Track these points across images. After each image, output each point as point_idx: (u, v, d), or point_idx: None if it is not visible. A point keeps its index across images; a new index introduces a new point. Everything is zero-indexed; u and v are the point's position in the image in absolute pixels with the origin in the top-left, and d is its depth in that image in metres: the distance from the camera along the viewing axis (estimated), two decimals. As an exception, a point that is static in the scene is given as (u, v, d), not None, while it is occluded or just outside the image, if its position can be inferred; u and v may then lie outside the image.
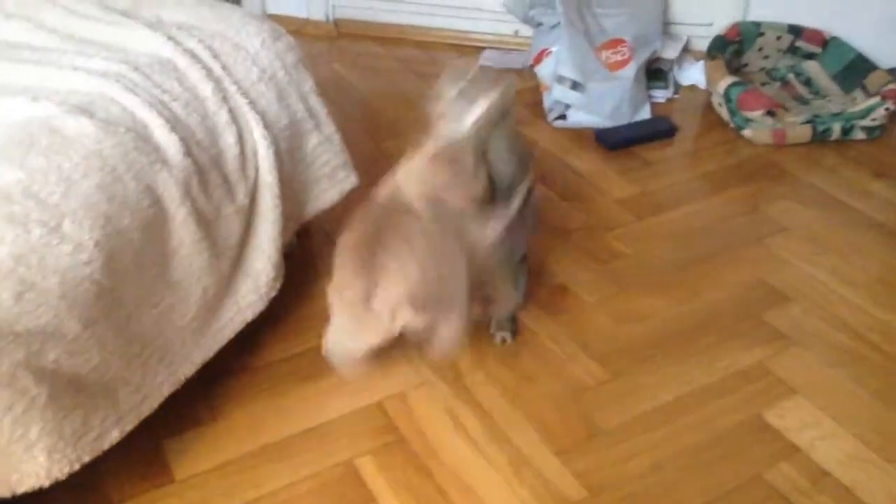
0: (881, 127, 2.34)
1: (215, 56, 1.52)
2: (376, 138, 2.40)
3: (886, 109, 2.29)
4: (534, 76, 2.56)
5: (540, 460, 1.40)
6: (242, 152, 1.47)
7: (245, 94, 1.52)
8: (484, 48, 2.90)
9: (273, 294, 1.54)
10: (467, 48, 2.93)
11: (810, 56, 2.60)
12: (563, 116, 2.44)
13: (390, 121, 2.49)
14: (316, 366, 1.57)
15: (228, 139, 1.45)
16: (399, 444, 1.42)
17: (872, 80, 2.44)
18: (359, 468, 1.38)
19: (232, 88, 1.50)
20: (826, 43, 2.57)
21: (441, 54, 2.93)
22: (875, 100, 2.31)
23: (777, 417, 1.48)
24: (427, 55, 2.93)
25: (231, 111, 1.47)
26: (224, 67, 1.52)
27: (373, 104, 2.60)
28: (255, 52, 1.59)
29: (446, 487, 1.35)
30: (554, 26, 2.49)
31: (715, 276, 1.83)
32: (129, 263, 1.22)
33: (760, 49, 2.61)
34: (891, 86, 2.35)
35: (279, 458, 1.39)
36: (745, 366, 1.58)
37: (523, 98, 2.62)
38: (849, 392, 1.53)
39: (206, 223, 1.37)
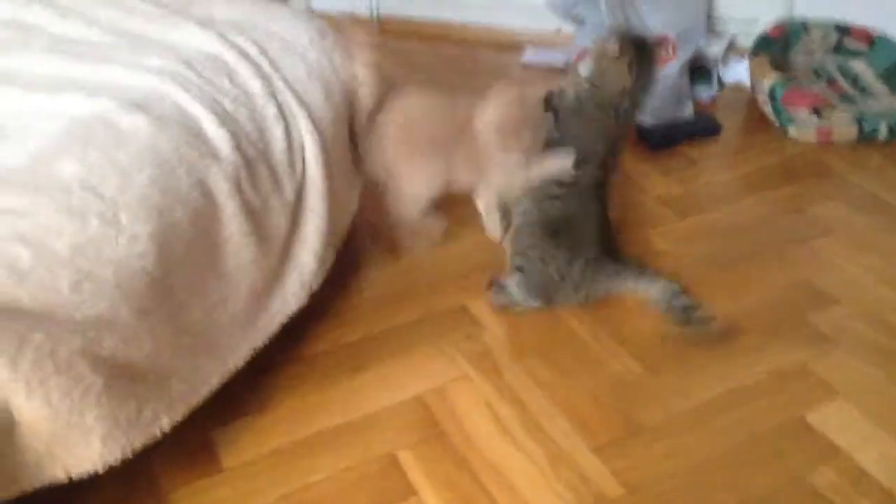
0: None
1: (264, 53, 1.56)
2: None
3: (935, 109, 2.26)
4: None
5: (578, 456, 1.41)
6: (290, 147, 1.50)
7: (293, 90, 1.55)
8: (526, 45, 2.90)
9: (316, 286, 1.57)
10: (509, 45, 2.94)
11: (857, 54, 2.56)
12: (605, 114, 2.43)
13: (432, 117, 2.51)
14: (358, 358, 1.60)
15: (276, 134, 1.48)
16: (438, 437, 1.44)
17: (921, 80, 2.40)
18: (400, 461, 1.40)
19: (280, 84, 1.53)
20: (873, 41, 2.53)
21: (484, 51, 2.94)
22: (923, 99, 2.28)
23: (818, 419, 1.47)
24: (469, 52, 2.94)
25: (279, 107, 1.50)
26: (272, 64, 1.56)
27: (415, 100, 2.62)
28: (303, 50, 1.62)
29: (484, 480, 1.37)
30: (597, 24, 2.48)
31: (758, 277, 1.82)
32: (180, 255, 1.26)
33: (806, 47, 2.58)
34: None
35: (323, 449, 1.42)
36: (787, 367, 1.57)
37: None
38: (891, 395, 1.52)
39: (254, 216, 1.40)
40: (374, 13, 3.10)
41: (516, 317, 1.71)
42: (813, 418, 1.47)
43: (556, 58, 2.79)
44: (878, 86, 2.51)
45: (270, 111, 1.48)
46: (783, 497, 1.33)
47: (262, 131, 1.46)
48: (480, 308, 1.74)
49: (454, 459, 1.40)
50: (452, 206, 2.07)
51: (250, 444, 1.42)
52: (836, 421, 1.47)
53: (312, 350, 1.62)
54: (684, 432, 1.45)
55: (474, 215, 2.03)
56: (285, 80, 1.55)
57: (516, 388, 1.54)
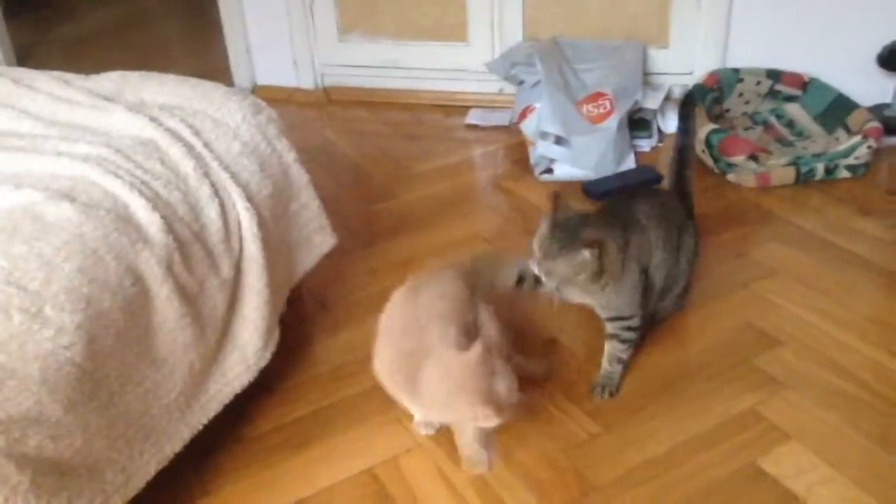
0: (865, 165, 2.36)
1: (196, 133, 1.56)
2: (367, 201, 2.43)
3: (869, 147, 2.32)
4: (520, 132, 2.60)
5: (534, 520, 1.38)
6: (226, 225, 1.49)
7: (227, 168, 1.55)
8: (470, 107, 2.95)
9: (262, 364, 1.55)
10: (454, 108, 2.99)
11: (791, 98, 2.64)
12: (549, 170, 2.47)
13: (380, 183, 2.53)
14: (306, 434, 1.57)
15: (211, 214, 1.47)
16: (392, 510, 1.42)
17: (854, 119, 2.47)
18: (353, 539, 1.37)
19: (214, 164, 1.53)
20: (806, 85, 2.61)
21: (428, 116, 2.99)
22: (857, 138, 2.34)
23: (772, 464, 1.46)
24: (414, 117, 2.98)
25: (213, 186, 1.50)
26: (205, 144, 1.56)
27: (363, 168, 2.65)
28: (236, 127, 1.62)
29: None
30: (535, 84, 2.53)
31: (704, 323, 1.83)
32: (111, 344, 1.23)
33: (741, 95, 2.65)
34: (872, 124, 2.37)
35: (271, 533, 1.38)
36: (738, 413, 1.57)
37: (511, 154, 2.67)
38: (843, 435, 1.52)
39: (190, 298, 1.38)
40: (319, 85, 3.14)
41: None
42: (767, 464, 1.46)
43: (500, 118, 2.84)
44: (814, 128, 2.58)
45: (204, 191, 1.48)
46: (741, 548, 1.32)
47: (196, 212, 1.46)
48: (432, 373, 1.72)
49: None
50: (400, 271, 2.08)
51: (193, 534, 1.38)
52: (790, 465, 1.46)
53: (259, 429, 1.59)
54: (639, 487, 1.43)
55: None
56: (219, 159, 1.55)
57: (469, 455, 1.52)
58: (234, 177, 1.54)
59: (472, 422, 1.32)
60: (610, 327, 1.63)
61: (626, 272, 1.55)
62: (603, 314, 1.62)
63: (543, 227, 1.50)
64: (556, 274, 1.48)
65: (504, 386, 1.26)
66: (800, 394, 1.61)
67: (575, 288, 1.54)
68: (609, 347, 1.65)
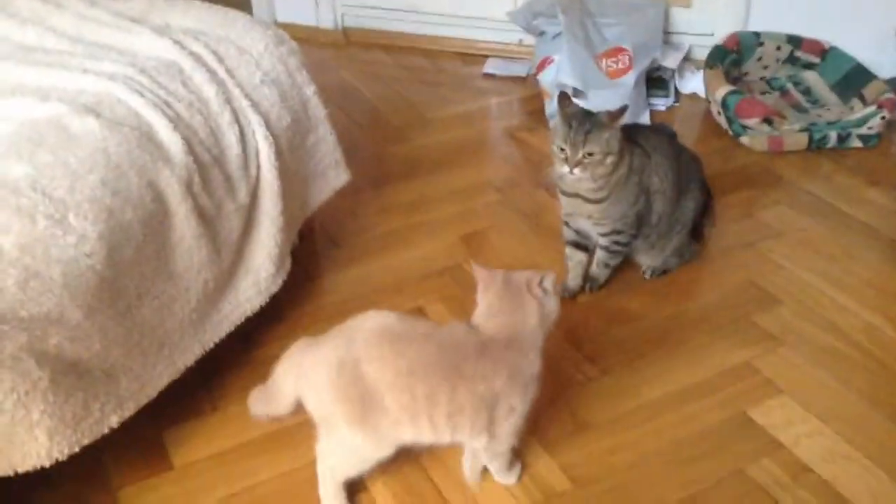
0: (877, 135, 2.36)
1: (220, 60, 1.58)
2: (381, 143, 2.45)
3: (883, 118, 2.32)
4: (537, 84, 2.60)
5: (529, 454, 1.43)
6: (244, 152, 1.52)
7: (248, 96, 1.57)
8: (488, 56, 2.95)
9: (274, 290, 1.59)
10: (472, 57, 2.98)
11: (809, 66, 2.63)
12: (564, 123, 2.48)
13: (395, 126, 2.55)
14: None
15: (231, 139, 1.50)
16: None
17: (870, 90, 2.47)
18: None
19: (235, 91, 1.56)
20: (825, 53, 2.60)
21: (447, 62, 2.99)
22: (871, 108, 2.34)
23: (762, 415, 1.51)
24: (433, 63, 2.98)
25: (234, 112, 1.53)
26: (228, 70, 1.58)
27: (379, 110, 2.66)
28: (258, 56, 1.64)
29: (435, 479, 1.39)
30: (556, 35, 2.53)
31: (708, 279, 1.86)
32: (130, 256, 1.27)
33: (760, 59, 2.64)
34: (888, 95, 2.38)
35: (275, 448, 1.43)
36: (733, 365, 1.61)
37: (527, 106, 2.67)
38: (833, 391, 1.56)
39: (207, 219, 1.42)
40: (339, 25, 3.13)
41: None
42: (757, 414, 1.51)
43: (518, 69, 2.85)
44: (830, 96, 2.58)
45: (225, 116, 1.51)
46: (724, 489, 1.37)
47: (216, 136, 1.48)
48: (437, 311, 1.76)
49: (406, 458, 1.42)
50: (410, 212, 2.11)
51: (200, 444, 1.43)
52: (780, 417, 1.50)
53: (267, 352, 1.62)
54: (631, 429, 1.48)
55: (431, 222, 2.07)
56: (241, 87, 1.57)
57: (469, 389, 1.56)
58: (255, 105, 1.57)
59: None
60: (602, 240, 1.78)
61: (627, 184, 1.68)
62: (599, 230, 1.76)
63: (560, 127, 1.62)
64: (589, 160, 1.59)
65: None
66: (795, 351, 1.65)
67: (587, 199, 1.69)
68: (599, 255, 1.80)
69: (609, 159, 1.61)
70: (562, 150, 1.61)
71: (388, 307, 1.72)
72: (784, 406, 1.53)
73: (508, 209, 2.12)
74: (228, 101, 1.53)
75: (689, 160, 1.82)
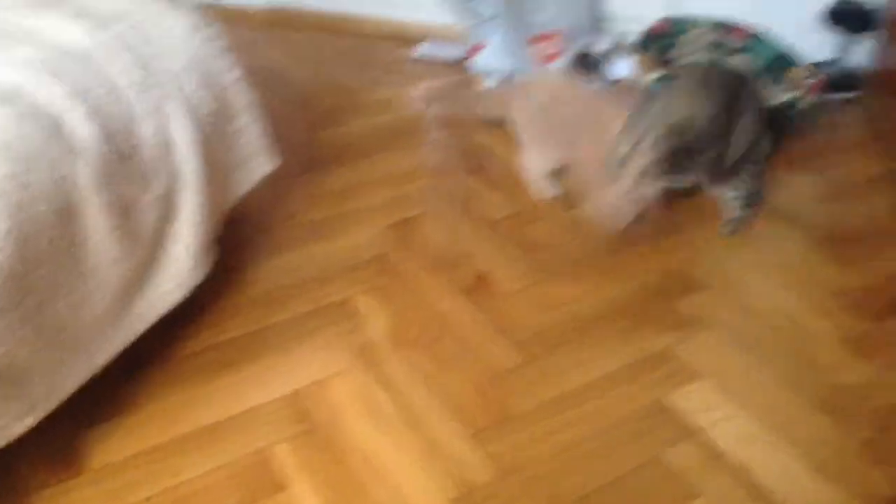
0: (800, 120, 2.42)
1: (138, 45, 1.54)
2: (312, 127, 2.42)
3: (807, 102, 2.38)
4: (470, 68, 2.59)
5: (453, 443, 1.44)
6: (163, 140, 1.49)
7: (168, 83, 1.53)
8: (422, 40, 2.93)
9: (195, 282, 1.56)
10: (405, 39, 2.96)
11: (737, 51, 2.67)
12: (496, 107, 2.48)
13: (327, 110, 2.52)
14: (235, 356, 1.60)
15: (148, 128, 1.46)
16: (314, 431, 1.46)
17: (795, 74, 2.52)
18: (273, 457, 1.41)
19: (154, 78, 1.51)
20: (752, 39, 2.64)
21: (380, 45, 2.96)
22: (796, 93, 2.39)
23: (681, 400, 1.54)
24: (365, 45, 2.95)
25: (152, 100, 1.49)
26: (146, 57, 1.54)
27: (310, 92, 2.62)
28: (179, 41, 1.60)
29: (360, 474, 1.39)
30: (488, 20, 2.52)
31: (634, 265, 1.89)
32: (41, 251, 1.23)
33: (688, 44, 2.68)
34: (812, 80, 2.43)
35: (196, 447, 1.42)
36: (654, 351, 1.64)
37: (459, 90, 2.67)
38: (751, 376, 1.60)
39: (122, 212, 1.38)
40: (268, 5, 3.07)
41: (399, 309, 1.73)
42: (676, 399, 1.54)
43: (451, 52, 2.83)
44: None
45: (142, 105, 1.47)
46: (643, 475, 1.40)
47: (132, 125, 1.45)
48: (366, 301, 1.76)
49: (329, 453, 1.42)
50: (340, 200, 2.09)
51: (118, 445, 1.41)
52: (698, 401, 1.54)
53: (188, 348, 1.61)
54: (555, 416, 1.50)
55: (360, 210, 2.06)
56: (159, 73, 1.53)
57: (397, 380, 1.57)
58: (175, 92, 1.53)
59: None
60: None
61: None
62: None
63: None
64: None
65: None
66: (715, 336, 1.69)
67: None
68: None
69: None
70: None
71: (313, 299, 1.75)
72: (702, 391, 1.56)
73: (438, 196, 2.12)
74: (146, 88, 1.49)
75: (749, 91, 1.91)
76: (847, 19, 2.62)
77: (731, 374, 1.61)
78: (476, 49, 2.53)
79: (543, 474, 1.39)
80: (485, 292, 1.79)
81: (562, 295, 1.80)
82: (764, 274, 1.87)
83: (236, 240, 1.91)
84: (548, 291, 1.81)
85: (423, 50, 2.86)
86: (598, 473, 1.40)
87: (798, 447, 1.45)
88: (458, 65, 2.78)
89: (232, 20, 3.05)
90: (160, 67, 1.54)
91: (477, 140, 2.39)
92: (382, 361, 1.60)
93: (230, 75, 1.68)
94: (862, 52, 2.70)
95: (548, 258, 1.90)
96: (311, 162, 2.24)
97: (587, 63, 2.65)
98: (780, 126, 1.97)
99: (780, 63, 2.58)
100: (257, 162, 1.78)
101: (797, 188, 2.19)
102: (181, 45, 1.60)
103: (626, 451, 1.44)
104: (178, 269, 1.51)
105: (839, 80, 2.66)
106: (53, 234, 1.25)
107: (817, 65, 2.56)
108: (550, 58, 2.46)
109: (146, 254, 1.44)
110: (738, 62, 2.66)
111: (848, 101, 2.64)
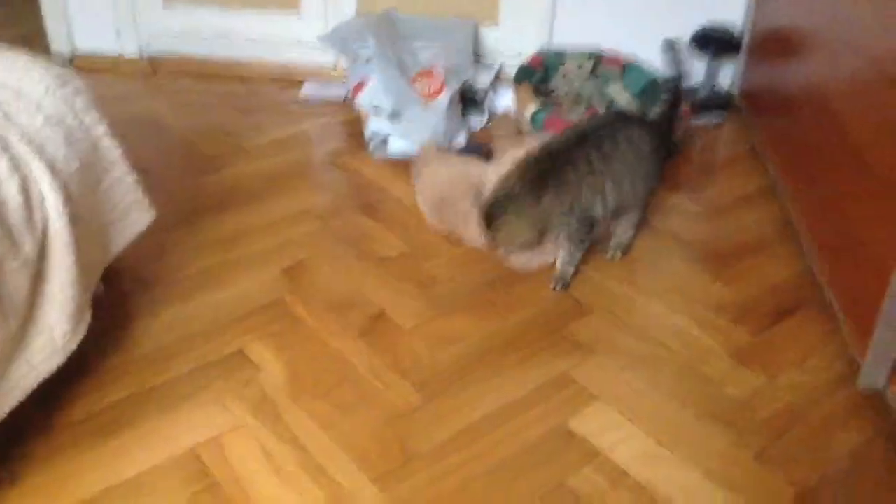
0: (676, 143, 2.52)
1: (-5, 103, 1.46)
2: (193, 175, 2.36)
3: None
4: (355, 107, 2.59)
5: (357, 491, 1.41)
6: (27, 202, 1.41)
7: (30, 142, 1.46)
8: (304, 80, 2.91)
9: (72, 347, 1.48)
10: (288, 81, 2.94)
11: (613, 79, 2.77)
12: (384, 145, 2.49)
13: (208, 157, 2.46)
14: (122, 419, 1.52)
15: (10, 189, 1.39)
16: (212, 489, 1.40)
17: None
18: (168, 519, 1.35)
19: (14, 137, 1.44)
20: (624, 67, 2.75)
21: (262, 88, 2.92)
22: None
23: (581, 424, 1.56)
24: (247, 89, 2.91)
25: (13, 160, 1.41)
26: (5, 115, 1.47)
27: (190, 141, 2.56)
28: (39, 99, 1.54)
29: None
30: (369, 59, 2.53)
31: (523, 294, 1.91)
32: None
33: (565, 76, 2.76)
34: (683, 105, 2.54)
35: (83, 518, 1.34)
36: (551, 378, 1.66)
37: (346, 129, 2.66)
38: (644, 395, 1.64)
39: (-12, 279, 1.30)
40: (145, 53, 2.99)
41: (295, 356, 1.70)
42: (575, 424, 1.56)
43: (335, 91, 2.83)
44: (633, 106, 2.73)
45: (3, 165, 1.39)
46: (548, 503, 1.40)
47: (-6, 187, 1.37)
48: (259, 351, 1.71)
49: (202, 479, 1.36)
50: (227, 247, 2.04)
51: (-5, 527, 1.32)
52: (596, 424, 1.56)
53: (72, 414, 1.52)
54: (458, 452, 1.49)
55: (250, 256, 2.01)
56: (21, 132, 1.46)
57: (295, 431, 1.53)
58: (38, 151, 1.46)
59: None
60: None
61: None
62: None
63: None
64: None
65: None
66: (607, 358, 1.73)
67: None
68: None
69: None
70: None
71: (204, 353, 1.69)
72: (599, 413, 1.59)
73: (330, 237, 2.10)
74: (6, 148, 1.42)
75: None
76: (711, 44, 2.76)
77: (626, 394, 1.64)
78: (360, 87, 2.53)
79: (448, 513, 1.38)
80: (382, 332, 1.78)
81: (458, 329, 1.80)
82: (650, 294, 1.92)
83: (119, 297, 1.83)
84: (444, 326, 1.81)
85: (307, 90, 2.84)
86: (502, 505, 1.40)
87: (697, 461, 1.49)
88: (344, 103, 2.77)
89: (108, 70, 2.96)
90: (20, 125, 1.47)
91: (366, 176, 2.38)
92: (280, 412, 1.56)
93: (96, 130, 1.62)
94: (728, 75, 2.85)
95: (443, 293, 1.90)
96: (195, 210, 2.18)
97: (469, 97, 2.69)
98: (667, 150, 2.04)
99: (653, 89, 2.69)
100: (134, 216, 1.71)
101: (677, 208, 2.28)
102: (42, 102, 1.53)
103: (531, 479, 1.44)
104: (55, 335, 1.43)
105: (708, 102, 2.79)
106: None
107: (685, 90, 2.67)
108: (434, 94, 2.48)
109: (18, 322, 1.36)
110: (613, 90, 2.77)
111: (719, 123, 2.77)
